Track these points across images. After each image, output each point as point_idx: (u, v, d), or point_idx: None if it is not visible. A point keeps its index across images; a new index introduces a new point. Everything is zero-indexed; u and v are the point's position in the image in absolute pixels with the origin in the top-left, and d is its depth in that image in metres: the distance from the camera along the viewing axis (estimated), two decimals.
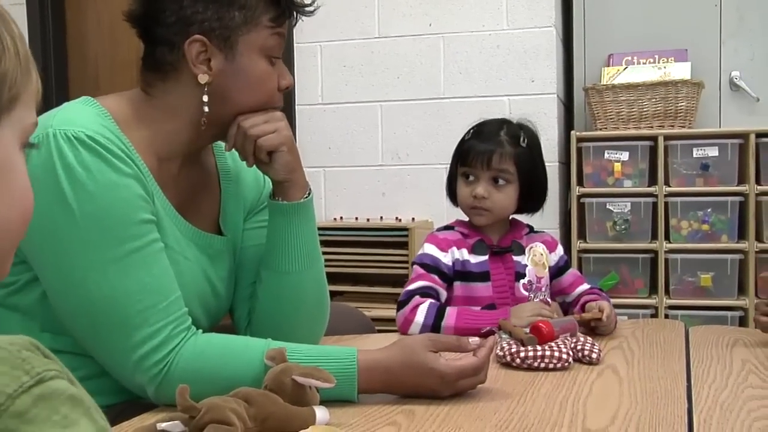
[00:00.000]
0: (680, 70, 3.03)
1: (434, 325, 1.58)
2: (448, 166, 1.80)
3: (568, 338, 1.40)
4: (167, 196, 1.22)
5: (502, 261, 1.73)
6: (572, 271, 1.85)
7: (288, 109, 3.29)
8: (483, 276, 1.70)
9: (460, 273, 1.70)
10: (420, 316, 1.60)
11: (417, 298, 1.63)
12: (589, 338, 1.41)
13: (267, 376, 1.03)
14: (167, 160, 1.24)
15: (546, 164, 1.82)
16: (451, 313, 1.60)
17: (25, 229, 0.62)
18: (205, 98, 1.21)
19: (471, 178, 1.72)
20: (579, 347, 1.37)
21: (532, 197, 1.76)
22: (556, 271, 1.80)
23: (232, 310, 1.40)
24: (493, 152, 1.69)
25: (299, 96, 3.33)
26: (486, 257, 1.71)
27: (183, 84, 1.21)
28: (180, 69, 1.21)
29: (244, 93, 1.23)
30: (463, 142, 1.77)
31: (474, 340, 1.17)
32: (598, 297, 1.72)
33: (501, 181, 1.71)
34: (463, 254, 1.71)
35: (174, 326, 1.11)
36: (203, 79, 1.20)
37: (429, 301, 1.62)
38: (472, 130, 1.77)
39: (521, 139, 1.73)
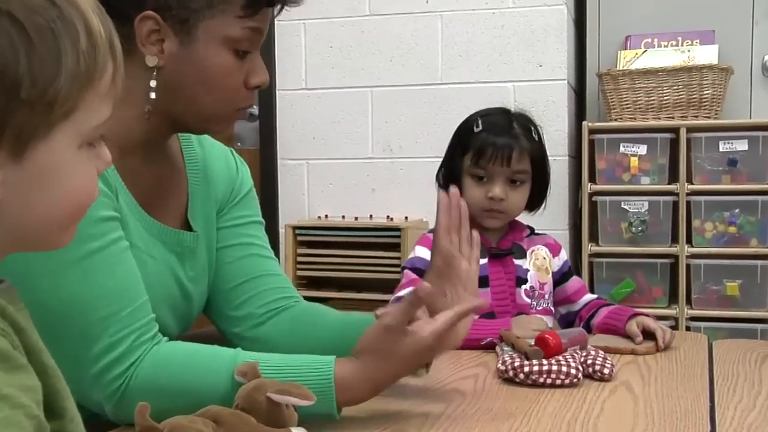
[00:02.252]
0: (706, 54, 3.04)
1: None
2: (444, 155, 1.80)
3: (578, 351, 1.40)
4: (130, 191, 1.22)
5: (502, 265, 1.73)
6: (576, 278, 1.86)
7: (268, 94, 3.29)
8: (481, 281, 1.70)
9: None
10: None
11: None
12: (600, 351, 1.42)
13: (238, 394, 1.03)
14: (128, 152, 1.23)
15: (555, 158, 1.83)
16: None
17: (78, 217, 0.73)
18: (153, 83, 1.20)
19: (485, 178, 1.73)
20: (589, 361, 1.37)
21: (539, 196, 1.79)
22: (560, 278, 1.81)
23: (213, 312, 1.41)
24: (512, 149, 1.71)
25: (280, 80, 3.32)
26: (485, 261, 1.72)
27: (134, 65, 1.19)
28: (133, 47, 1.20)
29: (199, 85, 1.21)
30: (471, 134, 1.76)
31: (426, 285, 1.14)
32: (630, 312, 1.69)
33: (517, 182, 1.73)
34: None
35: (137, 335, 1.11)
36: (151, 61, 1.19)
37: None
38: (479, 120, 1.77)
39: (532, 131, 1.74)
